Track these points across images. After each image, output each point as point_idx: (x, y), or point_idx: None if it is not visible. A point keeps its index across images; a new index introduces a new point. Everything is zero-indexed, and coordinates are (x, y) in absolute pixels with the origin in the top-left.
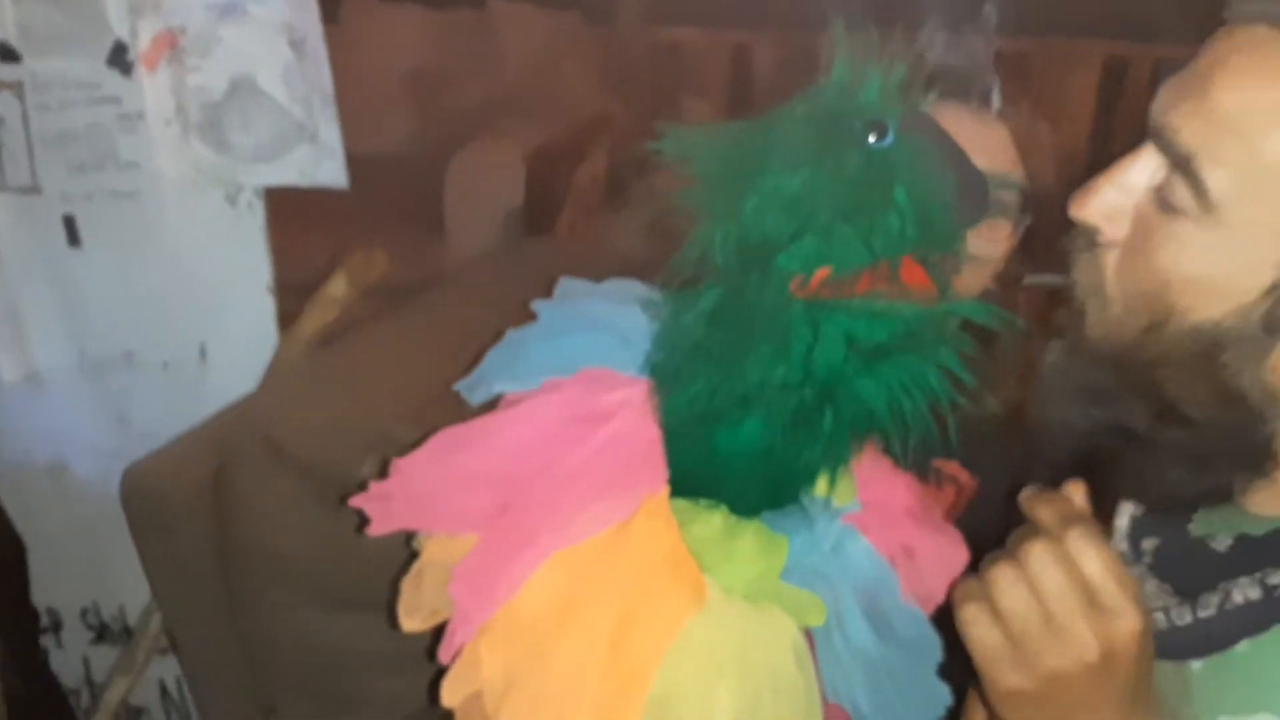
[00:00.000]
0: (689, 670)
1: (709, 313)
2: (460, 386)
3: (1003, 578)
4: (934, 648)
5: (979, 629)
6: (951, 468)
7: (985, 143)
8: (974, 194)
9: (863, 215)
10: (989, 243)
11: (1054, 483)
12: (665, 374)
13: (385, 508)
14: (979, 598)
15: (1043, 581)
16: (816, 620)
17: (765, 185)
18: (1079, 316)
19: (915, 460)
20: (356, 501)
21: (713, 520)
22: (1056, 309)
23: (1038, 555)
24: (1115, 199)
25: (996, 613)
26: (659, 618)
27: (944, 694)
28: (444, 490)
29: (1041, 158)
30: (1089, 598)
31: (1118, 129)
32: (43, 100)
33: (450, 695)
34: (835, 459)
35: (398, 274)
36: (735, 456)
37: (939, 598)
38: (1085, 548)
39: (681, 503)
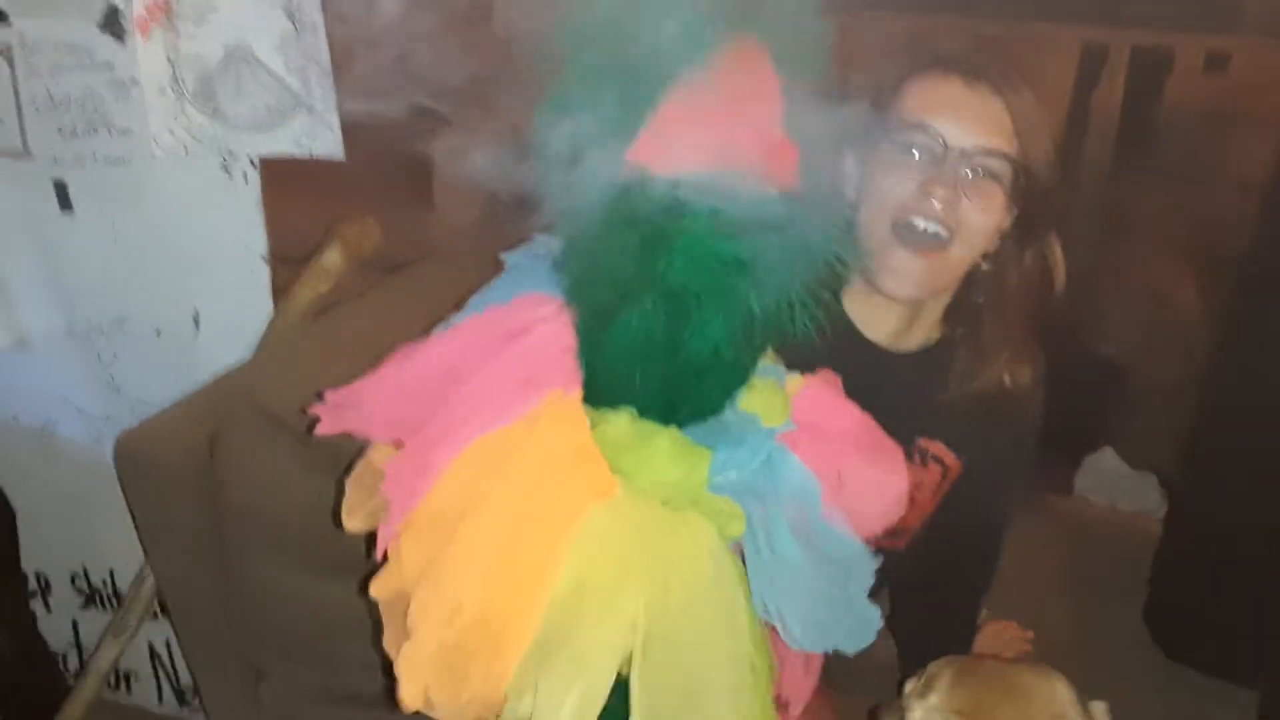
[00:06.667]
0: (595, 560)
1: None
2: (440, 327)
3: None
4: (865, 569)
5: None
6: (937, 448)
7: (980, 114)
8: None
9: None
10: (981, 211)
11: None
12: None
13: (335, 414)
14: None
15: None
16: (736, 530)
17: None
18: None
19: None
20: (314, 408)
21: (620, 420)
22: None
23: None
24: None
25: None
26: (560, 507)
27: (874, 616)
28: (382, 399)
29: (1037, 136)
30: None
31: (1095, 114)
32: (33, 64)
33: (378, 588)
34: (718, 345)
35: (392, 246)
36: (627, 346)
37: (871, 520)
38: None
39: (596, 410)
